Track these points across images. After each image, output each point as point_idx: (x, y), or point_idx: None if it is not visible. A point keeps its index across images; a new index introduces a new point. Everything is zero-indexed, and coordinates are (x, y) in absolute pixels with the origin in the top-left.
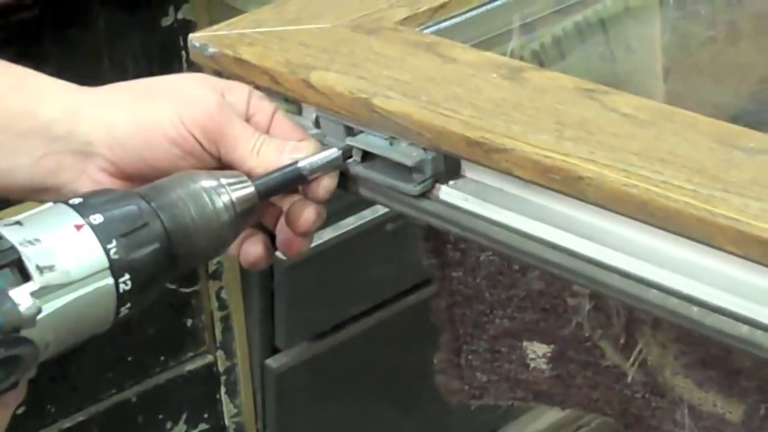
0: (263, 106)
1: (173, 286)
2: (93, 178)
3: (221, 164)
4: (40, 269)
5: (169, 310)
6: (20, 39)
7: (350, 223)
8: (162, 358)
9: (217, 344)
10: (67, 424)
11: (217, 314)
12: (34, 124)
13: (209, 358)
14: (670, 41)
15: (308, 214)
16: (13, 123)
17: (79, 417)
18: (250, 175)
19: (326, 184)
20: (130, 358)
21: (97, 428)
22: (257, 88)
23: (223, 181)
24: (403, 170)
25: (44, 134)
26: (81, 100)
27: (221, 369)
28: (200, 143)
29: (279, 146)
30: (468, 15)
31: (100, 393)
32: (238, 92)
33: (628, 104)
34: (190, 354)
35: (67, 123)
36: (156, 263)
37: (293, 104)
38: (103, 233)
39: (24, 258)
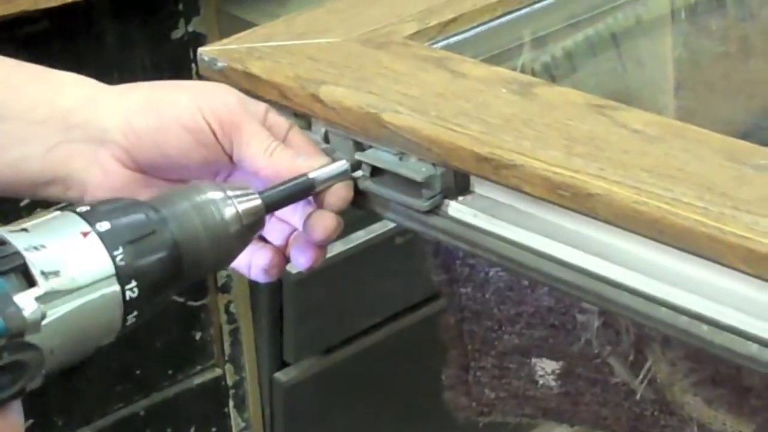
0: (279, 121)
1: (182, 300)
2: (104, 167)
3: (231, 161)
4: (45, 274)
5: (178, 323)
6: (30, 52)
7: (360, 236)
8: (170, 371)
9: (226, 358)
10: None
11: (226, 328)
12: (51, 112)
13: (218, 371)
14: (681, 56)
15: (328, 221)
16: (31, 111)
17: (87, 430)
18: (258, 176)
19: (343, 194)
20: (138, 372)
21: None
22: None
23: (230, 193)
24: (413, 186)
25: (61, 122)
26: (100, 91)
27: (230, 383)
28: (215, 133)
29: (293, 154)
30: (478, 29)
31: (108, 406)
32: (256, 105)
33: (638, 120)
34: (199, 367)
35: (84, 111)
36: (163, 271)
37: (302, 119)
38: (110, 240)
39: (29, 263)
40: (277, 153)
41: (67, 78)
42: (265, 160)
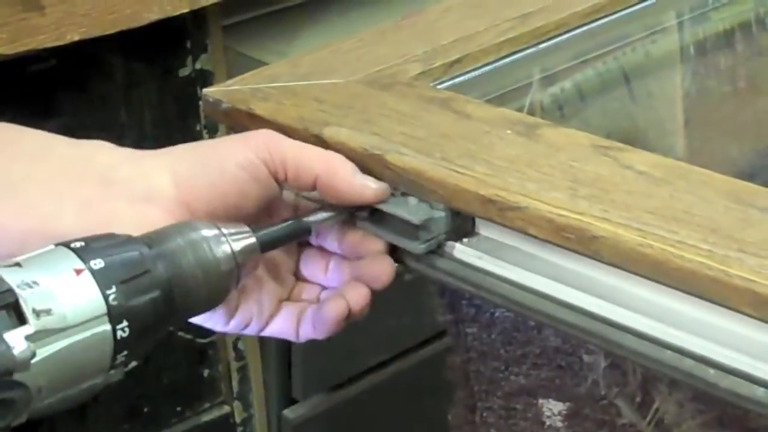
0: None
1: (189, 336)
2: (155, 225)
3: (279, 188)
4: (37, 313)
5: (186, 360)
6: (38, 90)
7: None
8: (178, 408)
9: (234, 395)
10: None
11: (234, 365)
12: (88, 169)
13: (226, 408)
14: (689, 95)
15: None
16: (66, 168)
17: None
18: (312, 170)
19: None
20: (146, 409)
21: None
22: None
23: (224, 231)
24: (410, 228)
25: (99, 179)
26: (138, 152)
27: (238, 420)
28: (265, 163)
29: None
30: (483, 69)
31: None
32: None
33: (643, 162)
34: (207, 404)
35: (125, 168)
36: (155, 311)
37: None
38: (103, 279)
39: (21, 301)
40: (332, 153)
41: (103, 143)
42: (320, 154)
